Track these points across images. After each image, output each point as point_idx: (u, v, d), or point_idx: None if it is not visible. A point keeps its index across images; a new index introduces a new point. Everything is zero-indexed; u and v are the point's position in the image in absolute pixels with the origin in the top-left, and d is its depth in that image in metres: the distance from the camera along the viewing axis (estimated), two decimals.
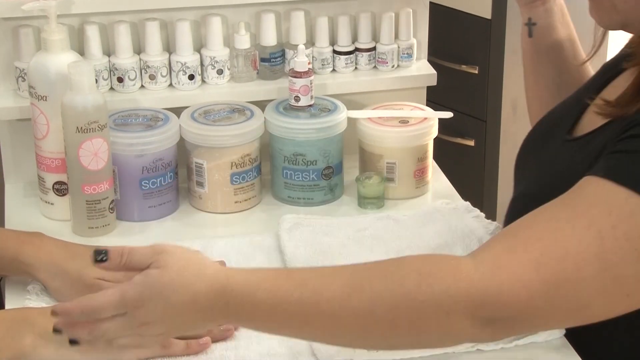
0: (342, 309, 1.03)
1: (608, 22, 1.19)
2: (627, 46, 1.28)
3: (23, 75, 1.55)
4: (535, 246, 1.04)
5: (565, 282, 1.03)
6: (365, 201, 1.56)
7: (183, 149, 1.54)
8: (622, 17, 1.15)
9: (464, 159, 2.64)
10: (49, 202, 1.53)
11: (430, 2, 1.70)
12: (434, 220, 1.48)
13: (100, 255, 1.06)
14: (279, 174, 1.57)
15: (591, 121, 1.22)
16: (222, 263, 1.35)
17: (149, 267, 1.04)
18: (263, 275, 1.06)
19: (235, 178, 1.53)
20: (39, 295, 1.29)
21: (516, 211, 1.16)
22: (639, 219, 1.03)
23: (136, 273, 1.04)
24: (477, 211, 1.51)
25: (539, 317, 1.06)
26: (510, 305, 1.03)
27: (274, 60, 1.63)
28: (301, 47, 1.55)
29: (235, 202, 1.54)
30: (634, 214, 1.03)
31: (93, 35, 1.56)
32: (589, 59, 1.41)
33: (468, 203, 1.54)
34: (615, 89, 1.23)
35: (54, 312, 1.05)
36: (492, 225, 1.46)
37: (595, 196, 1.05)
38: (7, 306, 1.28)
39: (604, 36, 1.30)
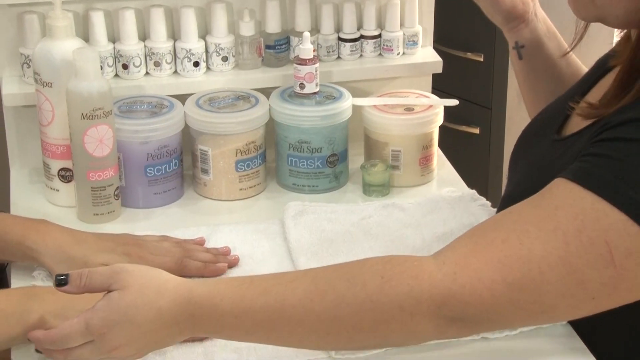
0: (307, 314, 1.04)
1: (585, 15, 1.18)
2: (617, 44, 1.27)
3: (28, 61, 1.55)
4: (500, 247, 1.04)
5: (529, 285, 1.03)
6: (370, 189, 1.56)
7: (188, 136, 1.54)
8: (599, 11, 1.15)
9: (469, 147, 2.64)
10: (54, 189, 1.52)
11: None
12: (439, 209, 1.47)
13: (60, 279, 1.06)
14: (284, 161, 1.56)
15: (578, 122, 1.21)
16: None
17: (109, 287, 1.04)
18: (226, 285, 1.05)
19: (240, 165, 1.52)
20: (45, 281, 1.29)
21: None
22: (604, 224, 1.02)
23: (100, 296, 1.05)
24: (482, 199, 1.51)
25: (504, 316, 1.05)
26: (474, 305, 1.03)
27: (279, 47, 1.63)
28: (306, 34, 1.54)
29: (240, 189, 1.54)
30: (600, 220, 1.02)
31: (98, 22, 1.56)
32: (570, 50, 1.39)
33: (474, 191, 1.53)
34: (601, 89, 1.22)
35: (29, 339, 1.08)
36: None
37: (563, 199, 1.05)
38: None
39: (585, 28, 1.29)
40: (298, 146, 1.54)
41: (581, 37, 1.29)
